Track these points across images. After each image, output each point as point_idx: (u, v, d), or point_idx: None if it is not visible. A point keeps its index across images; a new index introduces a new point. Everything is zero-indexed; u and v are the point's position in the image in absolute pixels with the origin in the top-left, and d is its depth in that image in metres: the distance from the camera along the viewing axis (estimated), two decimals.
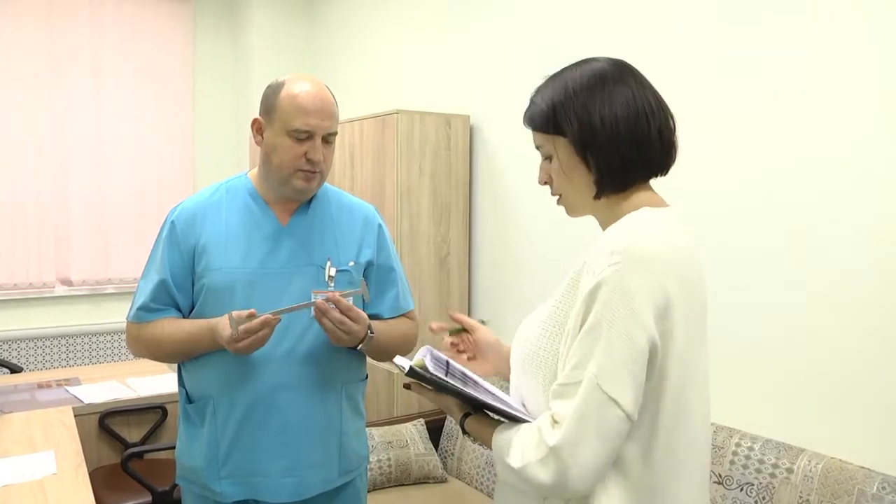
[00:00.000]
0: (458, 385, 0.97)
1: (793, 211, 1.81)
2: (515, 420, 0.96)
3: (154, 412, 2.56)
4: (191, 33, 3.83)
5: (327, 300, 1.29)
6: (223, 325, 1.30)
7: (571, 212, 1.03)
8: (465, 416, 1.02)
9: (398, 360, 1.04)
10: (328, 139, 1.38)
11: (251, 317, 1.26)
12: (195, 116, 3.87)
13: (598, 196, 0.99)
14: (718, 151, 1.98)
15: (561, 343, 0.94)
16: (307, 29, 3.97)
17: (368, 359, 1.52)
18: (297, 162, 1.36)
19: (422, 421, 2.55)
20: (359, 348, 1.38)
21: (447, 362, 1.06)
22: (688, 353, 0.92)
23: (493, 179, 2.74)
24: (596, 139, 0.95)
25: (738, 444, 1.80)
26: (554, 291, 0.99)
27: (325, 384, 1.41)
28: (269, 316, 1.26)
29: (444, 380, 0.97)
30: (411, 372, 0.98)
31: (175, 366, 1.57)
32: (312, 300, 1.31)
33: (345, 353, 1.43)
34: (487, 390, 1.02)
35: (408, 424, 2.52)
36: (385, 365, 2.75)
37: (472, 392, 0.97)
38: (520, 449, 0.91)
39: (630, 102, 0.95)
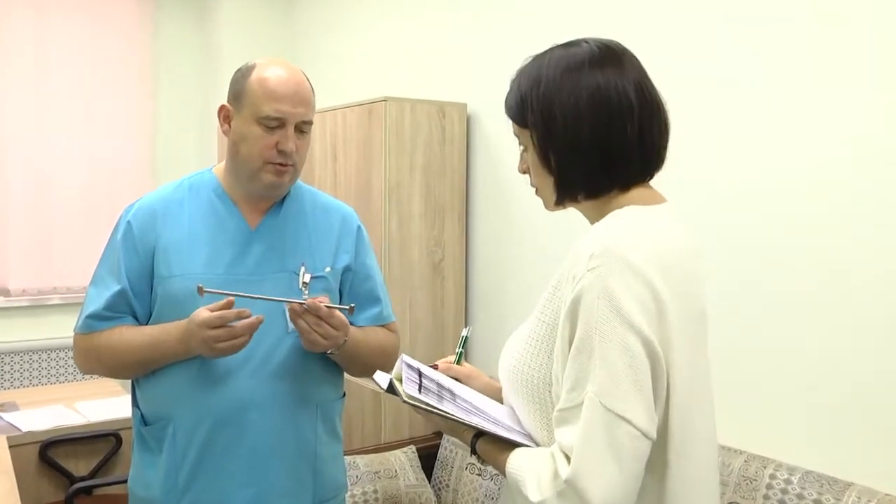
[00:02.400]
0: (435, 403, 0.96)
1: (838, 201, 1.75)
2: (515, 444, 0.95)
3: (106, 441, 2.48)
4: (151, 13, 3.77)
5: (306, 307, 1.28)
6: (197, 314, 1.28)
7: (547, 206, 1.02)
8: (477, 436, 1.00)
9: (378, 376, 1.04)
10: (302, 128, 1.37)
11: (227, 305, 1.26)
12: (157, 105, 3.80)
13: (557, 202, 0.99)
14: (730, 138, 1.94)
15: (553, 364, 0.93)
16: (283, 8, 3.94)
17: (351, 377, 1.51)
18: (267, 153, 1.35)
19: (413, 448, 2.47)
20: (328, 353, 1.37)
21: (419, 372, 1.04)
22: (689, 366, 0.91)
23: (492, 175, 2.70)
24: (555, 140, 0.94)
25: (772, 477, 1.74)
26: (537, 303, 0.99)
27: (298, 402, 1.40)
28: (239, 310, 1.26)
29: (425, 402, 0.95)
30: (391, 388, 0.98)
31: (129, 386, 1.51)
32: (301, 299, 1.31)
33: (321, 367, 1.42)
34: (471, 405, 1.00)
35: (397, 452, 2.44)
36: (372, 384, 2.61)
37: (456, 413, 0.96)
38: (536, 480, 0.89)
39: (601, 96, 0.92)
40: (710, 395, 0.97)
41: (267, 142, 1.34)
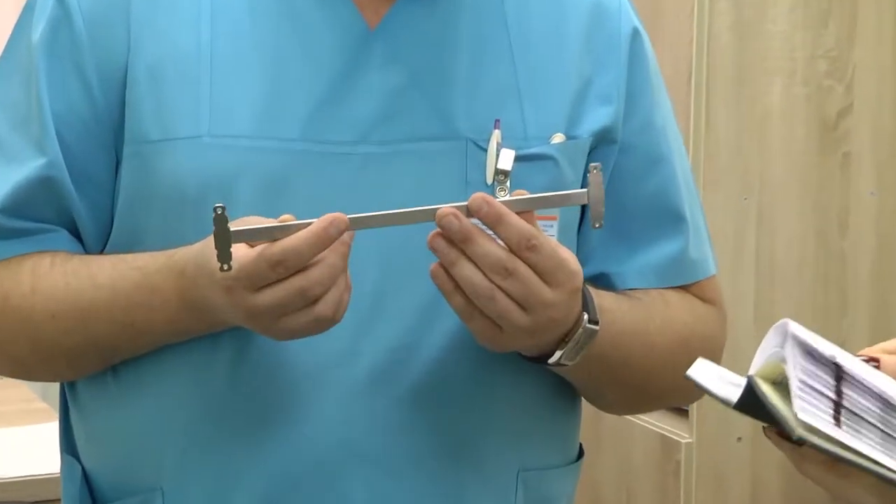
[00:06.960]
0: (878, 456, 0.71)
1: None
2: None
3: None
4: None
5: (473, 205, 0.95)
6: (212, 261, 0.93)
7: None
8: None
9: (701, 372, 0.82)
10: None
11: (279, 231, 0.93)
12: None
13: None
14: None
15: None
16: None
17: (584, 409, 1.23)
18: None
19: None
20: (553, 360, 1.00)
21: (836, 366, 0.78)
22: None
23: None
24: None
25: None
26: None
27: (471, 468, 1.07)
28: (327, 223, 0.89)
29: (850, 449, 0.70)
30: (746, 399, 0.73)
31: (57, 400, 1.10)
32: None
33: (526, 386, 1.08)
34: None
35: None
36: (640, 421, 2.14)
37: None
38: None
39: None
40: None
41: None
